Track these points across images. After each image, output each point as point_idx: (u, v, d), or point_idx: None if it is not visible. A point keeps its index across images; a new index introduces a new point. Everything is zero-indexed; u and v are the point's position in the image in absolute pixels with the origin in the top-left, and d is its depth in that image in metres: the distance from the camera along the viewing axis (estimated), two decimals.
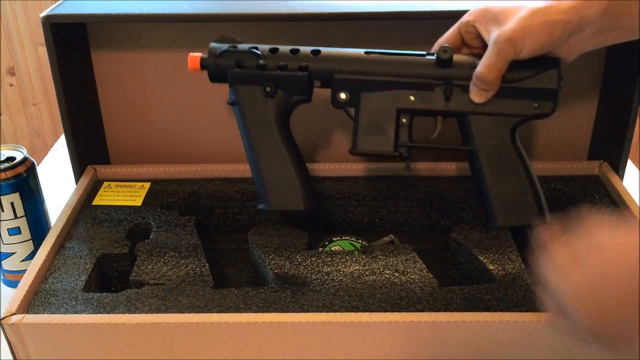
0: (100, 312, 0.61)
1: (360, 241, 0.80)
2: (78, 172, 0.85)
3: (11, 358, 0.61)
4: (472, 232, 0.72)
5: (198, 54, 0.69)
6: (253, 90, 0.68)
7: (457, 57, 0.66)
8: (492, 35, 0.61)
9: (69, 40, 0.79)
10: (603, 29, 0.59)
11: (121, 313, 0.61)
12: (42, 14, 0.73)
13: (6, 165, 0.73)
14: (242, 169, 0.85)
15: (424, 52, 0.68)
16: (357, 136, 0.67)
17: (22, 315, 0.60)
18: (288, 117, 0.70)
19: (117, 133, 0.90)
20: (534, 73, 0.64)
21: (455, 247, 0.73)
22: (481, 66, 0.63)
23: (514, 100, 0.65)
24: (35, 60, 2.05)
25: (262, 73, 0.67)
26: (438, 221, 0.83)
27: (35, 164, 0.76)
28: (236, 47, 0.68)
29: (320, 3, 0.76)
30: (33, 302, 0.63)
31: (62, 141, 1.13)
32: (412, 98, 0.66)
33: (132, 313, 0.61)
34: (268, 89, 0.67)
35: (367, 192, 0.81)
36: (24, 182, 0.74)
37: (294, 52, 0.67)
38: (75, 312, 0.61)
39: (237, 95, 0.69)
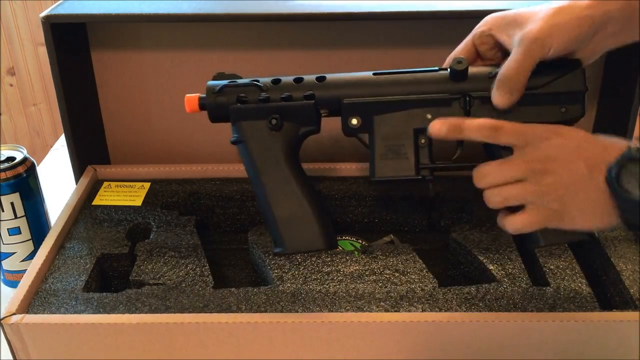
0: (100, 312, 0.61)
1: (360, 241, 0.80)
2: (78, 172, 0.85)
3: (11, 358, 0.61)
4: (472, 232, 0.72)
5: (195, 95, 0.64)
6: (258, 125, 0.63)
7: (472, 69, 0.61)
8: (516, 37, 0.59)
9: (69, 40, 0.79)
10: (624, 26, 0.57)
11: (121, 313, 0.61)
12: (42, 14, 0.73)
13: (6, 165, 0.73)
14: (242, 169, 0.84)
15: (436, 68, 0.63)
16: (375, 163, 0.62)
17: (22, 315, 0.60)
18: (297, 150, 0.65)
19: (117, 133, 0.90)
20: (557, 76, 0.60)
21: (455, 247, 0.73)
22: (506, 67, 0.59)
23: (540, 107, 0.60)
24: (35, 60, 2.05)
25: (266, 106, 0.63)
26: (438, 221, 0.83)
27: (35, 164, 0.76)
28: (236, 81, 0.64)
29: (320, 3, 0.76)
30: (33, 302, 0.63)
31: (62, 141, 1.13)
32: (429, 116, 0.61)
33: (132, 313, 0.61)
34: (274, 121, 0.62)
35: (367, 192, 0.81)
36: (24, 182, 0.74)
37: (298, 80, 0.63)
38: (75, 312, 0.61)
39: (241, 132, 0.64)
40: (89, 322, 0.59)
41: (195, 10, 0.75)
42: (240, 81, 0.64)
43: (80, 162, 0.84)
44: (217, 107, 0.64)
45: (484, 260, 0.68)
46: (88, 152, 0.86)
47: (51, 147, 1.18)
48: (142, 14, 0.74)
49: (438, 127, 0.58)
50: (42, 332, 0.59)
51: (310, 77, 0.64)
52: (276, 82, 0.63)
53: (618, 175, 0.50)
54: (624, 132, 0.80)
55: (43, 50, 1.94)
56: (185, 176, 0.85)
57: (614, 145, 0.53)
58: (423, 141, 0.62)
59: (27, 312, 0.61)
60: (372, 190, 0.82)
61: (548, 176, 0.54)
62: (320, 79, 0.63)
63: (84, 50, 0.83)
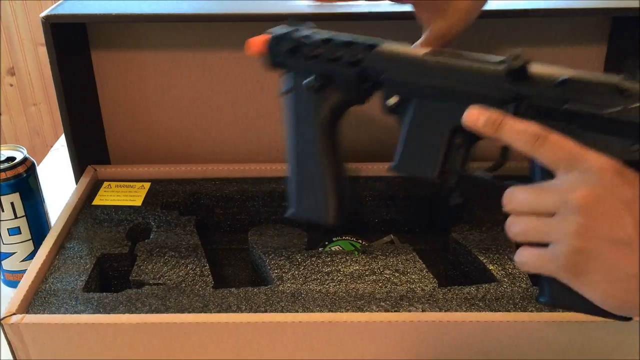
0: (100, 312, 0.61)
1: (360, 241, 0.80)
2: (78, 172, 0.85)
3: (11, 358, 0.61)
4: (472, 232, 0.72)
5: (263, 36, 0.62)
6: (303, 81, 0.60)
7: (539, 68, 0.50)
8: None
9: (69, 40, 0.79)
10: None
11: (121, 313, 0.61)
12: (42, 14, 0.73)
13: (6, 165, 0.73)
14: (242, 169, 0.85)
15: (502, 58, 0.52)
16: (400, 152, 0.56)
17: (22, 315, 0.60)
18: (337, 118, 0.61)
19: (117, 133, 0.90)
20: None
21: (455, 247, 0.73)
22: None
23: (606, 136, 0.47)
24: (35, 60, 2.05)
25: (312, 64, 0.59)
26: (438, 221, 0.83)
27: (35, 164, 0.76)
28: (298, 30, 0.61)
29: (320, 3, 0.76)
30: (33, 302, 0.63)
31: (62, 141, 1.13)
32: None
33: (132, 313, 0.61)
34: (315, 82, 0.59)
35: (367, 192, 0.81)
36: (24, 182, 0.74)
37: (348, 44, 0.58)
38: (75, 312, 0.61)
39: (289, 83, 0.62)
40: (89, 322, 0.59)
41: (195, 10, 0.75)
42: (301, 33, 0.61)
43: (80, 162, 0.84)
44: (274, 54, 0.62)
45: (484, 260, 0.68)
46: (88, 152, 0.86)
47: (51, 147, 1.18)
48: (142, 14, 0.74)
49: (475, 115, 0.49)
50: (42, 332, 0.59)
51: (363, 42, 0.58)
52: (326, 41, 0.59)
53: None
54: None
55: (43, 50, 1.94)
56: (185, 176, 0.85)
57: None
58: (459, 141, 0.54)
59: (27, 312, 0.61)
60: (372, 190, 0.82)
61: (583, 217, 0.43)
62: (371, 46, 0.58)
63: (84, 50, 0.83)
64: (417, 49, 0.57)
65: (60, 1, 0.79)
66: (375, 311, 0.61)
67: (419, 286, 0.64)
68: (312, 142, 0.61)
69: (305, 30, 0.61)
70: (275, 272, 0.67)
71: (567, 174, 0.44)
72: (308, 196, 0.62)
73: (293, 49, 0.60)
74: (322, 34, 0.60)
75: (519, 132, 0.47)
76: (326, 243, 0.80)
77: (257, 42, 0.62)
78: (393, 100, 0.56)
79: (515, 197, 0.47)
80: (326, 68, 0.59)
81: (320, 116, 0.60)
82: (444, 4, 0.61)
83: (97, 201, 0.80)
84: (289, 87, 0.62)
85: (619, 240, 0.42)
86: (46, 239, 0.71)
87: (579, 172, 0.44)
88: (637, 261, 0.41)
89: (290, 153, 0.62)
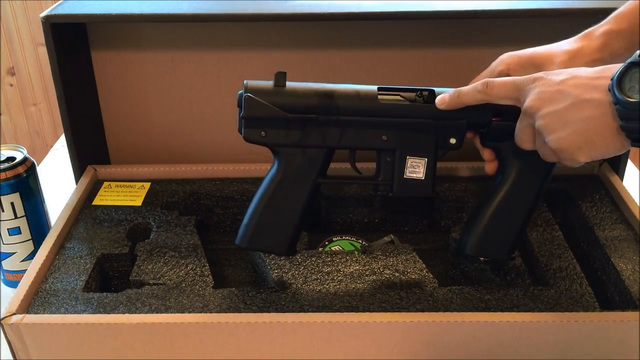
0: (100, 312, 0.61)
1: (360, 241, 0.80)
2: (78, 172, 0.85)
3: (11, 358, 0.61)
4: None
5: None
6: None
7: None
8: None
9: (69, 40, 0.79)
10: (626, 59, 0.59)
11: (121, 313, 0.61)
12: (42, 14, 0.73)
13: (6, 165, 0.73)
14: (242, 169, 0.85)
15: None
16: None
17: (22, 315, 0.60)
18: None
19: (117, 133, 0.90)
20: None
21: (455, 247, 0.73)
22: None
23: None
24: (35, 60, 2.05)
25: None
26: (438, 221, 0.83)
27: (35, 164, 0.76)
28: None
29: (320, 3, 0.76)
30: (33, 302, 0.63)
31: (62, 141, 1.13)
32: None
33: (132, 313, 0.61)
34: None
35: (367, 192, 0.81)
36: (24, 182, 0.74)
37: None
38: (75, 312, 0.61)
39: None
40: (89, 322, 0.59)
41: (195, 10, 0.75)
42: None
43: (81, 162, 0.84)
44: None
45: (484, 260, 0.68)
46: (88, 152, 0.86)
47: (51, 147, 1.18)
48: (142, 14, 0.74)
49: (442, 98, 0.61)
50: (42, 332, 0.59)
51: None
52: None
53: (620, 81, 0.49)
54: None
55: (43, 50, 1.94)
56: (185, 176, 0.85)
57: (603, 70, 0.52)
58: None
59: (27, 312, 0.61)
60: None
61: (552, 105, 0.53)
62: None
63: (84, 50, 0.83)
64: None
65: (60, 1, 0.79)
66: (375, 311, 0.61)
67: (419, 286, 0.64)
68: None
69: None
70: (275, 272, 0.67)
71: (520, 98, 0.56)
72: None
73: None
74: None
75: (473, 89, 0.58)
76: (326, 243, 0.80)
77: None
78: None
79: (519, 137, 0.59)
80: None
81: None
82: None
83: (97, 201, 0.80)
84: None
85: (563, 108, 0.53)
86: (46, 239, 0.71)
87: (527, 89, 0.55)
88: (598, 105, 0.51)
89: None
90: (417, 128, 0.62)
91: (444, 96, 0.61)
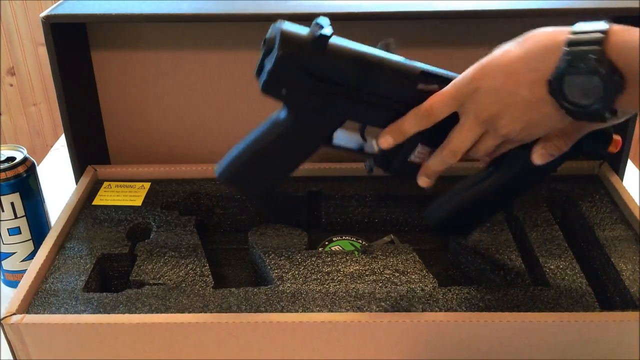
0: (100, 312, 0.61)
1: (360, 241, 0.80)
2: (78, 172, 0.85)
3: (11, 358, 0.61)
4: (472, 232, 0.72)
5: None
6: None
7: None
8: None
9: (69, 40, 0.79)
10: None
11: (121, 313, 0.61)
12: (42, 14, 0.73)
13: (6, 165, 0.73)
14: None
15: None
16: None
17: (22, 315, 0.60)
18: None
19: (117, 133, 0.90)
20: None
21: (455, 247, 0.73)
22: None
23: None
24: (35, 60, 2.05)
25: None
26: None
27: (35, 164, 0.76)
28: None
29: (320, 3, 0.76)
30: (33, 302, 0.63)
31: (62, 141, 1.13)
32: None
33: (132, 313, 0.61)
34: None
35: (367, 192, 0.81)
36: (24, 182, 0.74)
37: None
38: (75, 312, 0.61)
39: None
40: (89, 322, 0.59)
41: (195, 10, 0.75)
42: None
43: (81, 162, 0.84)
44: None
45: (484, 260, 0.68)
46: (88, 152, 0.86)
47: (51, 147, 1.18)
48: (142, 14, 0.74)
49: (385, 140, 0.58)
50: (42, 332, 0.59)
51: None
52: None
53: (561, 88, 0.49)
54: (624, 132, 0.80)
55: (43, 50, 1.94)
56: (185, 176, 0.85)
57: (539, 56, 0.50)
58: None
59: (27, 312, 0.61)
60: (372, 190, 0.82)
61: (500, 119, 0.53)
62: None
63: (84, 50, 0.83)
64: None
65: (60, 1, 0.79)
66: (375, 311, 0.61)
67: (419, 286, 0.64)
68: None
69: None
70: (275, 272, 0.67)
71: (463, 106, 0.54)
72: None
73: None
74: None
75: (414, 119, 0.56)
76: (326, 243, 0.80)
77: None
78: None
79: (452, 147, 0.57)
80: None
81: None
82: None
83: (97, 201, 0.80)
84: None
85: (528, 105, 0.51)
86: (46, 239, 0.71)
87: (468, 99, 0.54)
88: (545, 104, 0.51)
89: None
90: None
91: (387, 138, 0.58)
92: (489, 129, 0.55)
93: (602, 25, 0.49)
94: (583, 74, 0.48)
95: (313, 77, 0.56)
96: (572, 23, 0.51)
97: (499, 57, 0.53)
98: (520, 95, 0.51)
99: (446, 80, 0.56)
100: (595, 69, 0.47)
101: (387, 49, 0.58)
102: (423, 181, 0.60)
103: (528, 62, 0.51)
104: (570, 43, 0.49)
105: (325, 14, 0.74)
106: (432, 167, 0.59)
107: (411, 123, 0.56)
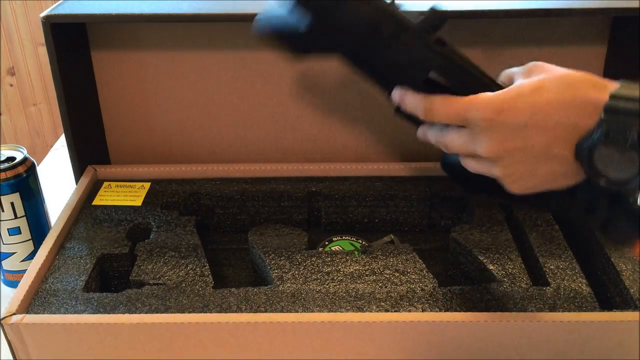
0: (100, 312, 0.61)
1: (360, 241, 0.80)
2: (78, 172, 0.85)
3: (11, 358, 0.61)
4: (472, 232, 0.72)
5: None
6: None
7: None
8: None
9: (69, 40, 0.79)
10: None
11: (121, 313, 0.61)
12: (42, 14, 0.73)
13: (6, 165, 0.73)
14: (242, 169, 0.85)
15: None
16: None
17: (22, 315, 0.60)
18: None
19: (117, 133, 0.90)
20: None
21: (455, 247, 0.73)
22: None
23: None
24: (35, 60, 2.05)
25: None
26: (438, 221, 0.83)
27: (35, 164, 0.76)
28: None
29: None
30: (33, 302, 0.63)
31: (62, 141, 1.13)
32: None
33: (132, 313, 0.61)
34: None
35: (367, 192, 0.81)
36: (24, 182, 0.74)
37: None
38: (75, 312, 0.61)
39: None
40: (89, 322, 0.59)
41: (195, 10, 0.75)
42: None
43: (81, 162, 0.84)
44: None
45: (484, 260, 0.68)
46: (88, 152, 0.86)
47: (51, 147, 1.18)
48: (142, 14, 0.74)
49: (395, 94, 0.54)
50: (42, 332, 0.59)
51: None
52: None
53: (590, 157, 0.45)
54: None
55: (43, 50, 1.94)
56: (185, 176, 0.85)
57: (575, 113, 0.46)
58: None
59: (27, 312, 0.61)
60: (372, 190, 0.82)
61: (505, 159, 0.48)
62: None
63: (84, 50, 0.83)
64: None
65: (60, 1, 0.79)
66: (375, 311, 0.61)
67: (419, 286, 0.65)
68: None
69: None
70: (275, 272, 0.67)
71: (464, 129, 0.50)
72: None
73: None
74: None
75: (414, 102, 0.52)
76: (326, 243, 0.80)
77: None
78: None
79: (450, 145, 0.52)
80: None
81: None
82: None
83: (97, 201, 0.80)
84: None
85: (539, 157, 0.48)
86: (46, 239, 0.71)
87: (476, 126, 0.48)
88: (560, 161, 0.47)
89: None
90: None
91: (395, 94, 0.54)
92: (488, 160, 0.50)
93: None
94: (619, 148, 0.44)
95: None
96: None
97: (531, 94, 0.47)
98: (541, 145, 0.47)
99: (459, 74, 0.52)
100: (635, 145, 0.44)
101: None
102: (419, 136, 0.56)
103: (561, 113, 0.46)
104: (609, 109, 0.44)
105: None
106: (428, 136, 0.55)
107: (410, 103, 0.52)
